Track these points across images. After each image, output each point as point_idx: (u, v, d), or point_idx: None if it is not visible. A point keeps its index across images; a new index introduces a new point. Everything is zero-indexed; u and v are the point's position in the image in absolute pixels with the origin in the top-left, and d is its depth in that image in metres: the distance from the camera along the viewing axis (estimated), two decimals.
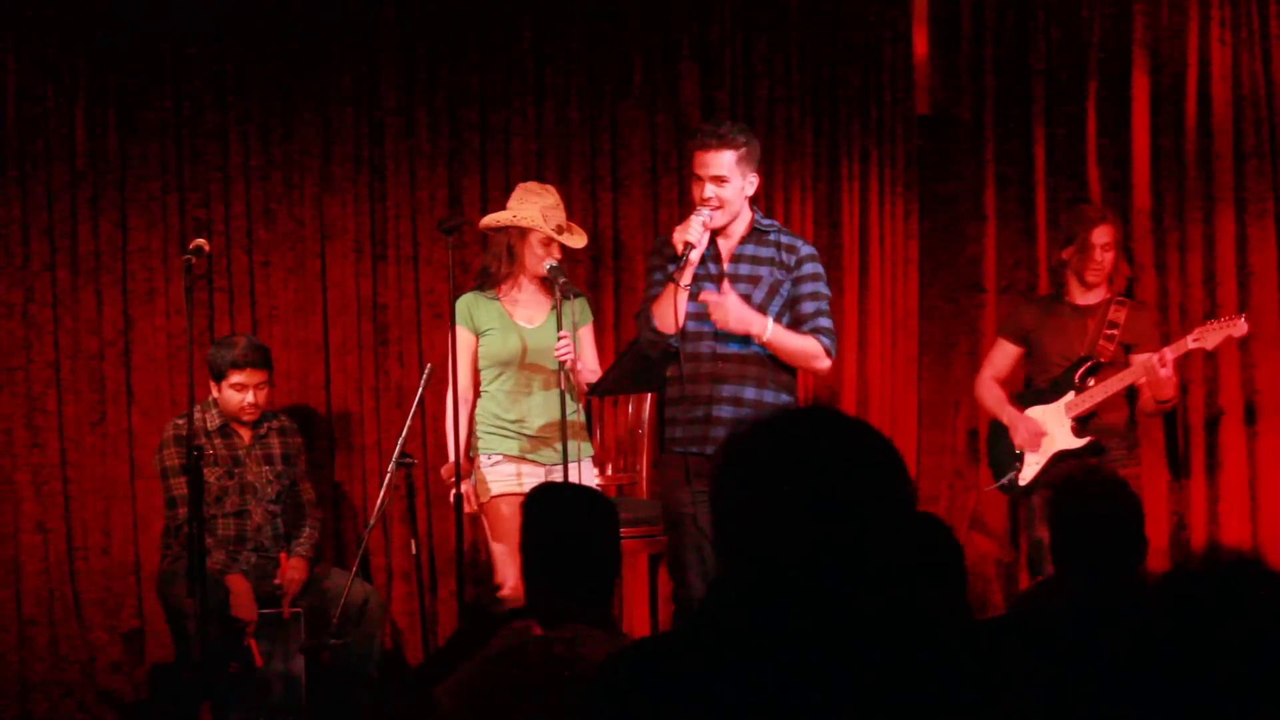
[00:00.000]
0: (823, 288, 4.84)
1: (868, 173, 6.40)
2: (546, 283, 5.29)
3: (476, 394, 5.35)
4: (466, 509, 5.22)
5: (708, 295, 4.69)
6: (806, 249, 4.85)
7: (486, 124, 6.33)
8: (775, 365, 4.78)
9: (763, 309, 4.74)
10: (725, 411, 4.74)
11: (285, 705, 5.34)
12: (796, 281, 4.79)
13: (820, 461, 1.79)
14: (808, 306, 4.80)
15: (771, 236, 4.83)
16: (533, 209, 5.22)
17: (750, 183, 4.77)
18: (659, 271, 4.82)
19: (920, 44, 6.31)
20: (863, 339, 6.39)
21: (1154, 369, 5.34)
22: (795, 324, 4.79)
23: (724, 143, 4.71)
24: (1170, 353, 5.36)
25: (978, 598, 6.12)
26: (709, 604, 1.85)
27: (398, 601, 6.23)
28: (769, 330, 4.70)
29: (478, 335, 5.32)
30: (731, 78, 6.35)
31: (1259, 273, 6.10)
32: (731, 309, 4.66)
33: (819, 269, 4.84)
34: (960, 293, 6.40)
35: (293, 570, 5.52)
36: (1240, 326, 5.37)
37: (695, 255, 4.70)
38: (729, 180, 4.71)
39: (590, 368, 5.33)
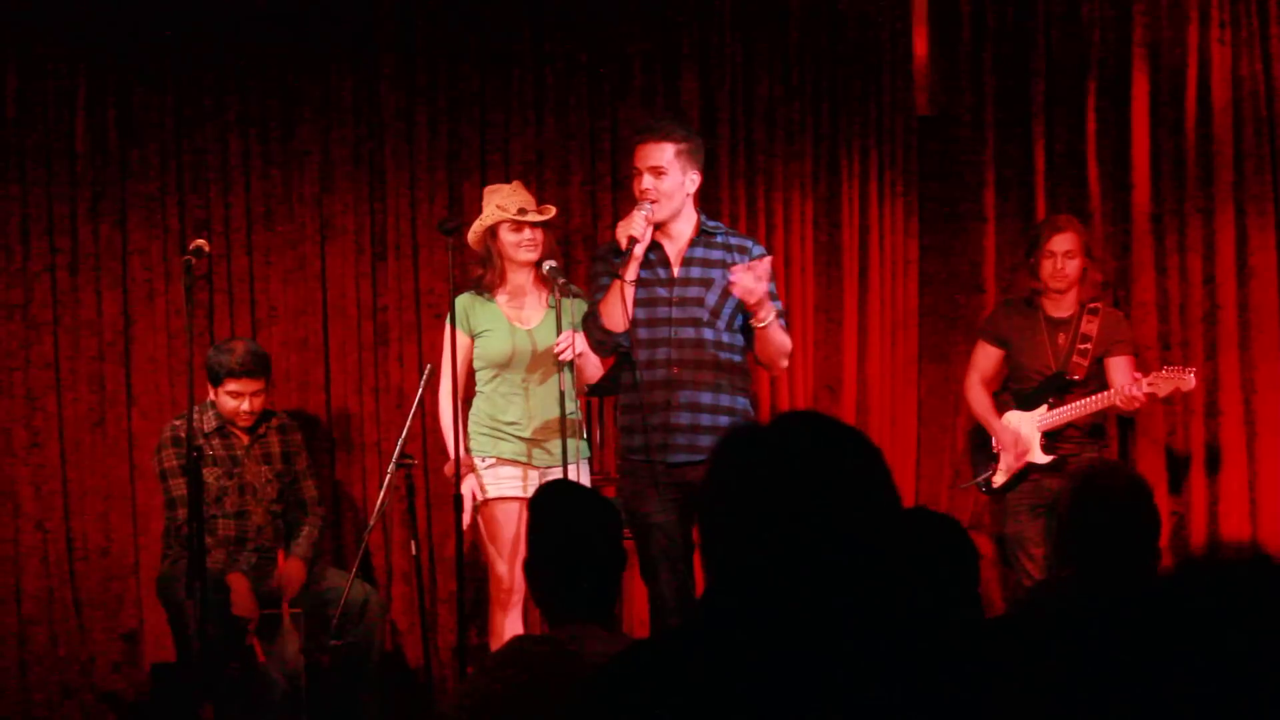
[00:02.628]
0: (774, 288, 4.83)
1: (868, 173, 6.40)
2: (543, 282, 5.28)
3: (470, 395, 5.34)
4: (467, 512, 5.20)
5: (738, 270, 4.59)
6: (758, 249, 4.86)
7: (486, 124, 6.34)
8: (731, 369, 4.77)
9: (718, 311, 4.75)
10: (683, 419, 4.72)
11: (285, 705, 5.34)
12: None
13: (804, 468, 1.79)
14: None
15: (719, 239, 4.83)
16: (490, 206, 5.24)
17: (691, 180, 4.78)
18: (604, 276, 4.81)
19: (920, 44, 6.30)
20: (863, 339, 6.39)
21: (1133, 397, 5.40)
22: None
23: (662, 135, 4.72)
24: (1146, 385, 5.41)
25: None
26: (706, 606, 1.85)
27: (398, 602, 6.23)
28: (771, 318, 4.69)
29: (473, 337, 5.30)
30: (731, 78, 6.36)
31: (1259, 273, 6.10)
32: (758, 284, 4.57)
33: (771, 269, 4.83)
34: (960, 293, 6.40)
35: (290, 571, 5.51)
36: (1188, 381, 5.43)
37: (640, 250, 4.71)
38: (667, 173, 4.72)
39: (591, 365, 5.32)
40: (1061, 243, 5.60)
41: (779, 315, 4.77)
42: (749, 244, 4.87)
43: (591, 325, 4.83)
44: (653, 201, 4.71)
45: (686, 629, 1.89)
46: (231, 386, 5.49)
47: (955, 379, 6.36)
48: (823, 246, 6.40)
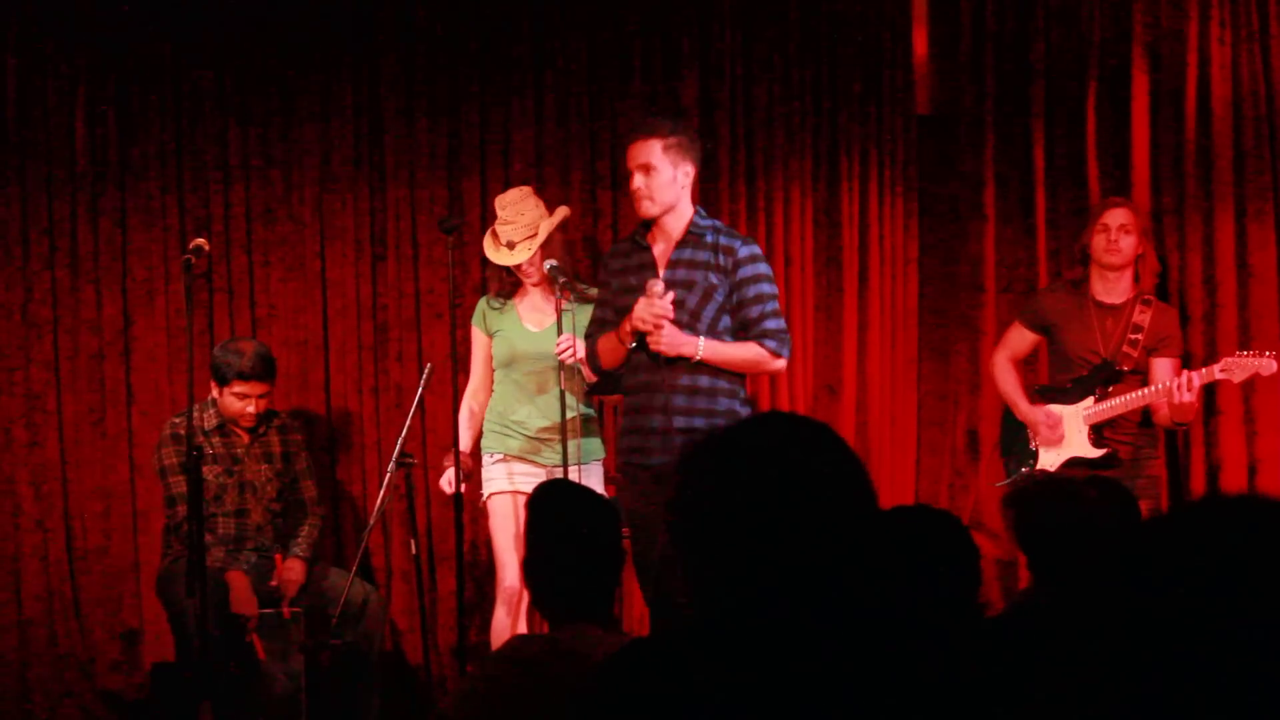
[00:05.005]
0: (766, 287, 4.75)
1: (868, 173, 6.39)
2: (552, 285, 5.31)
3: (489, 393, 5.46)
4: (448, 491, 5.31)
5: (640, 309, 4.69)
6: (745, 249, 4.75)
7: (486, 124, 6.34)
8: (715, 373, 4.72)
9: (697, 314, 4.68)
10: (677, 423, 4.69)
11: (285, 705, 5.34)
12: (739, 285, 4.72)
13: (772, 468, 1.78)
14: (753, 310, 4.73)
15: (709, 238, 4.75)
16: (488, 237, 5.37)
17: (685, 174, 4.73)
18: (622, 293, 4.78)
19: (920, 44, 6.30)
20: (863, 339, 6.38)
21: (1178, 392, 5.23)
22: (742, 328, 4.73)
23: (648, 131, 4.71)
24: (1197, 378, 5.26)
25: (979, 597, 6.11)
26: (702, 607, 1.85)
27: (398, 601, 6.23)
28: (701, 350, 4.64)
29: (490, 336, 5.42)
30: (731, 78, 6.35)
31: (1259, 273, 6.09)
32: (665, 339, 4.62)
33: (760, 268, 4.76)
34: (960, 293, 6.39)
35: (289, 571, 5.51)
36: (1269, 365, 5.23)
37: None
38: (657, 170, 4.68)
39: None
40: (1116, 217, 5.47)
41: (760, 323, 4.73)
42: (735, 243, 4.76)
43: (590, 355, 4.88)
44: (645, 198, 4.71)
45: (683, 628, 1.89)
46: (238, 389, 5.49)
47: (956, 379, 6.36)
48: (823, 246, 6.39)
